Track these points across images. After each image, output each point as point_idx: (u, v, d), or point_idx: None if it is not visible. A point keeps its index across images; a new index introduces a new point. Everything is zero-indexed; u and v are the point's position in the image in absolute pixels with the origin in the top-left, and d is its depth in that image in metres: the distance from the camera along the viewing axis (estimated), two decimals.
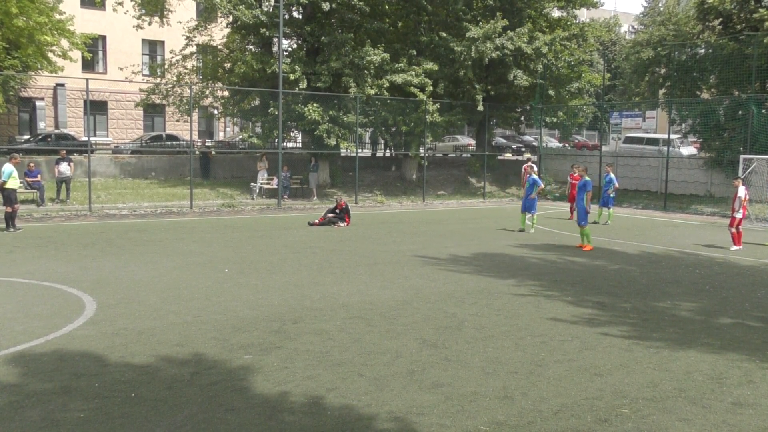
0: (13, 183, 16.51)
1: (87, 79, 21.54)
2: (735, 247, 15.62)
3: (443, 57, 28.52)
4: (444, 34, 28.27)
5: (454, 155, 41.04)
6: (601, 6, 34.68)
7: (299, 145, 34.49)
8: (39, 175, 21.98)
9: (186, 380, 6.23)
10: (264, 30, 25.53)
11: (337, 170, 30.38)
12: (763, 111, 24.32)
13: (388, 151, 36.20)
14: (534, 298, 9.98)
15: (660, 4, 56.71)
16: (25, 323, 8.01)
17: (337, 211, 18.86)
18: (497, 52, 27.60)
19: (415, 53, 29.02)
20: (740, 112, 25.91)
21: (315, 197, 26.92)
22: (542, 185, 18.30)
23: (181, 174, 28.76)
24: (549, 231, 18.59)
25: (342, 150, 28.29)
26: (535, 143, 42.84)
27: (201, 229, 17.56)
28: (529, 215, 18.20)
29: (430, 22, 30.22)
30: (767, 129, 23.93)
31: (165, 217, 20.41)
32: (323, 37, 26.01)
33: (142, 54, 40.15)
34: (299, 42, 28.83)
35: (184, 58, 29.11)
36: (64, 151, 23.28)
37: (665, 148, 28.77)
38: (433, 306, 9.35)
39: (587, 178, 15.84)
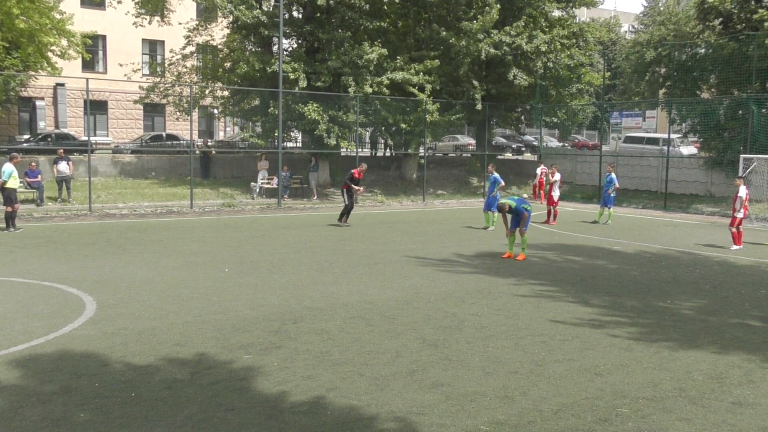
0: (13, 183, 16.51)
1: (87, 79, 21.52)
2: (735, 247, 15.62)
3: (443, 55, 28.52)
4: (443, 32, 28.27)
5: (454, 155, 41.06)
6: (601, 5, 34.68)
7: (299, 144, 34.49)
8: (39, 175, 21.97)
9: (186, 380, 6.23)
10: (264, 30, 25.52)
11: (337, 170, 30.37)
12: (763, 111, 24.31)
13: (388, 150, 36.18)
14: (534, 298, 9.98)
15: (660, 4, 56.75)
16: (25, 323, 8.01)
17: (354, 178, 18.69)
18: (496, 50, 27.57)
19: (415, 50, 29.01)
20: (740, 112, 25.90)
21: (315, 197, 26.92)
22: (502, 183, 18.65)
23: (181, 174, 28.76)
24: (549, 231, 18.59)
25: (342, 150, 28.27)
26: (535, 143, 42.86)
27: (201, 228, 17.56)
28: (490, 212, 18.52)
29: (429, 20, 30.23)
30: (767, 129, 23.93)
31: (165, 216, 20.41)
32: (322, 34, 26.00)
33: (142, 53, 40.14)
34: (299, 42, 28.83)
35: (184, 57, 29.10)
36: (62, 150, 23.27)
37: (665, 148, 28.77)
38: (433, 306, 9.35)
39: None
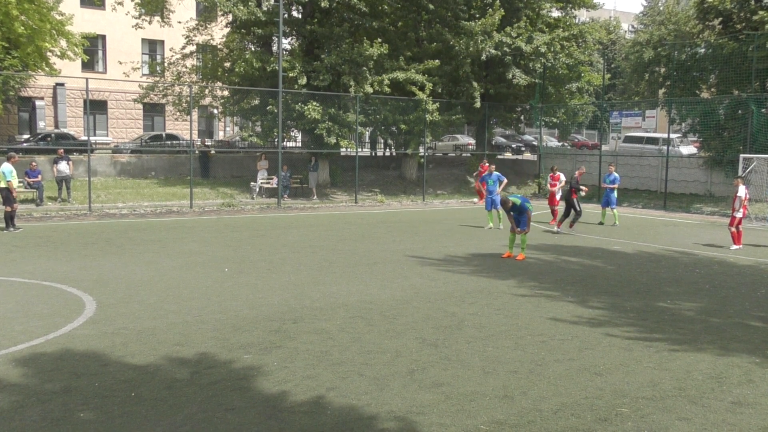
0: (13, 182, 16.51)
1: (87, 79, 21.52)
2: (735, 247, 15.62)
3: (443, 54, 28.51)
4: (445, 33, 28.26)
5: (453, 154, 41.04)
6: (601, 7, 34.66)
7: (299, 144, 34.48)
8: (39, 175, 21.97)
9: (186, 380, 6.23)
10: (259, 29, 25.48)
11: (337, 169, 30.37)
12: (763, 110, 24.32)
13: (387, 150, 36.18)
14: (534, 298, 9.98)
15: (660, 4, 56.73)
16: (25, 323, 8.01)
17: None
18: (496, 51, 27.58)
19: (416, 49, 28.97)
20: (740, 112, 25.90)
21: (315, 197, 26.91)
22: (505, 180, 18.96)
23: (180, 173, 28.75)
24: (548, 231, 18.58)
25: (342, 149, 28.25)
26: (534, 142, 42.85)
27: (201, 228, 17.55)
28: (495, 211, 18.62)
29: (429, 21, 30.20)
30: (767, 128, 23.93)
31: (165, 216, 20.41)
32: (320, 29, 25.97)
33: (142, 53, 40.14)
34: (299, 41, 28.82)
35: (184, 57, 29.09)
36: (62, 150, 23.28)
37: (665, 148, 28.77)
38: (433, 305, 9.35)
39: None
